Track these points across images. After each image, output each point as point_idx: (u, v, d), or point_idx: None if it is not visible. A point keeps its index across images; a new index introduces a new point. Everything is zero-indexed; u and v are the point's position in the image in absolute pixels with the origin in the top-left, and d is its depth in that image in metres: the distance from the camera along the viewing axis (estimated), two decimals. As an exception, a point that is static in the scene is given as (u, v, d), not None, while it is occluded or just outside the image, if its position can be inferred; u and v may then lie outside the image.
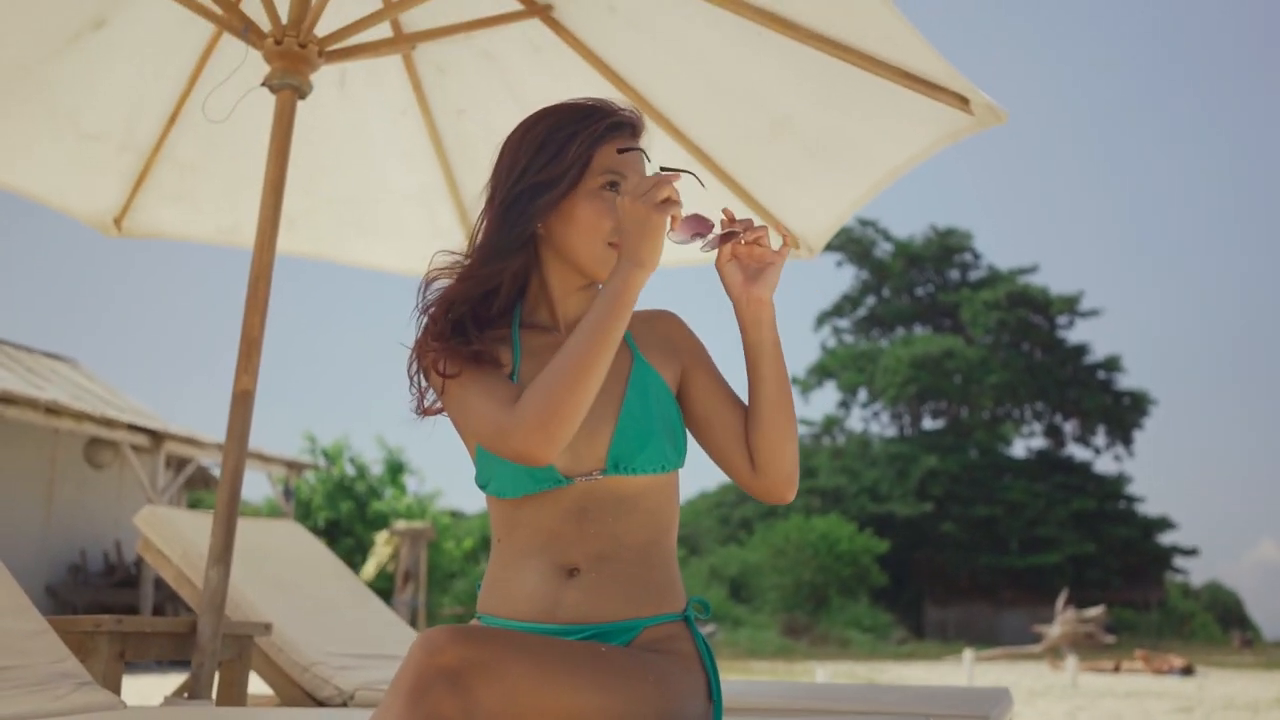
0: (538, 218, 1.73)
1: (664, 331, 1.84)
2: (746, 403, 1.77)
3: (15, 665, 2.47)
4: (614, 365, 1.73)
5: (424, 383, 1.75)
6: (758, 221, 1.77)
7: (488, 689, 1.34)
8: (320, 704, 3.49)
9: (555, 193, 1.72)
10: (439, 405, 1.74)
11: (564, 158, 1.72)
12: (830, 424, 41.97)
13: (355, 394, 70.41)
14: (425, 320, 1.73)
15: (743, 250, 1.72)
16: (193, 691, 3.01)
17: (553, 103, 1.84)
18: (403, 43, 3.60)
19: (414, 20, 3.69)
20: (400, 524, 18.18)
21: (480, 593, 1.75)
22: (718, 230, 1.69)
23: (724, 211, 1.73)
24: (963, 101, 2.99)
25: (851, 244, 41.24)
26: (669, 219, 1.59)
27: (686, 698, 1.60)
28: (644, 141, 1.82)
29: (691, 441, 1.79)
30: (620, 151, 1.75)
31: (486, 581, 1.74)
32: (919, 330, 42.48)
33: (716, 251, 1.74)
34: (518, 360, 1.74)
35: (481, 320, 1.75)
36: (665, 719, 1.53)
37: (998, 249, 69.06)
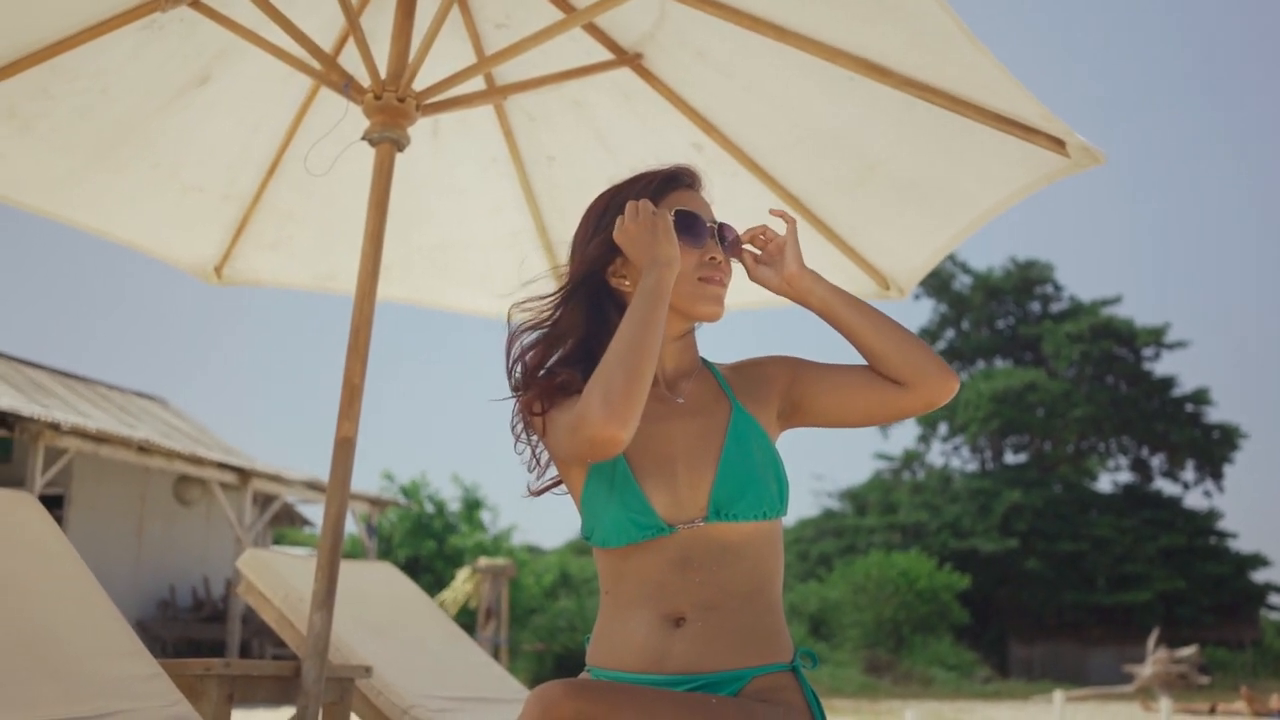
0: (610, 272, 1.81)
1: (755, 373, 1.87)
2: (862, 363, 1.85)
3: (131, 709, 2.54)
4: (714, 416, 1.77)
5: (531, 438, 1.79)
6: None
7: None
8: (418, 746, 3.52)
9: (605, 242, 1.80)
10: (553, 480, 1.81)
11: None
12: (910, 459, 41.48)
13: (430, 432, 71.06)
14: (519, 373, 1.79)
15: (759, 248, 1.89)
16: (296, 733, 3.06)
17: (639, 162, 1.93)
18: (496, 95, 3.67)
19: (506, 73, 3.76)
20: (483, 561, 18.27)
21: (589, 646, 1.77)
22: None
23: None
24: (1058, 144, 2.97)
25: (930, 277, 40.88)
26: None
27: None
28: (705, 193, 1.90)
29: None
30: (679, 213, 1.80)
31: (595, 634, 1.76)
32: (1000, 363, 41.89)
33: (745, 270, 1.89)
34: None
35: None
36: None
37: (1080, 280, 68.09)
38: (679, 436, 1.75)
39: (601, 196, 1.88)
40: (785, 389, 1.85)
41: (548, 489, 1.85)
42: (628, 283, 1.81)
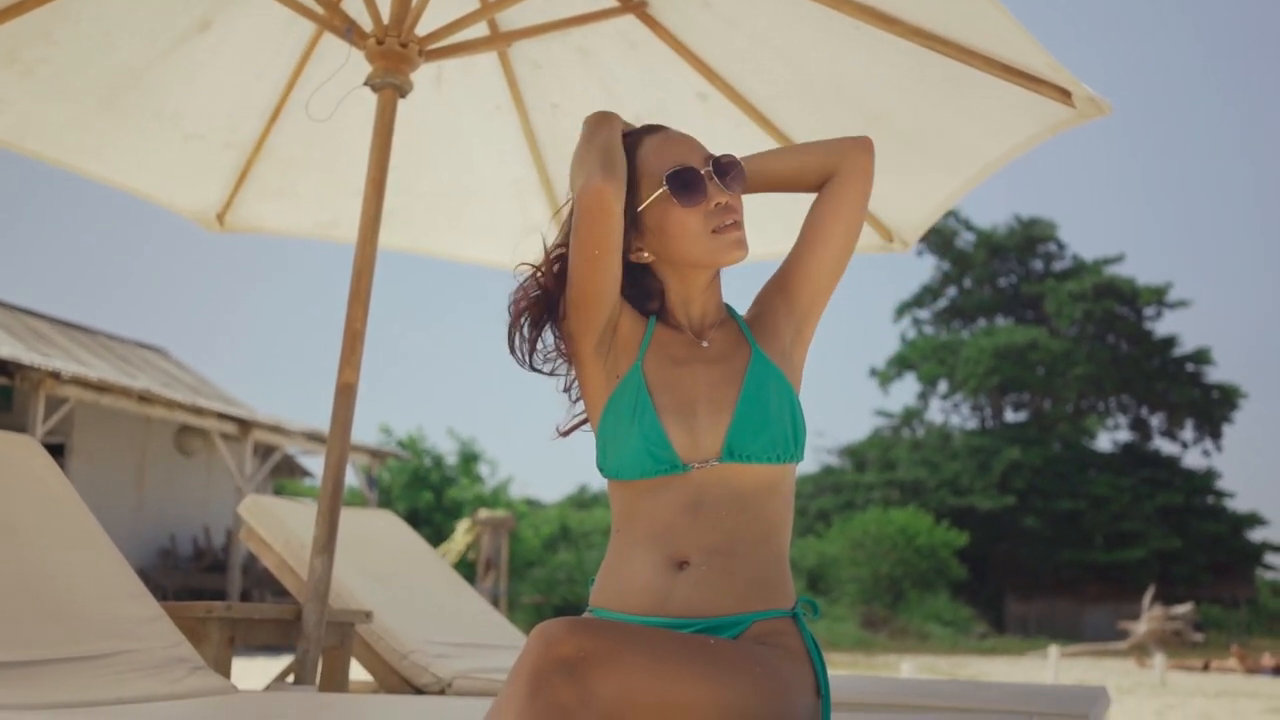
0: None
1: (761, 309, 1.89)
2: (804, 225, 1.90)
3: (133, 649, 2.56)
4: (734, 361, 1.79)
5: (550, 345, 1.82)
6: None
7: (603, 679, 1.37)
8: (419, 691, 3.55)
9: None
10: (580, 417, 1.85)
11: None
12: (910, 415, 41.53)
13: (426, 385, 71.05)
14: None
15: None
16: (298, 676, 3.09)
17: (645, 111, 1.92)
18: (500, 41, 3.65)
19: (510, 19, 3.73)
20: (482, 513, 18.36)
21: (594, 586, 1.78)
22: None
23: None
24: (1064, 94, 2.96)
25: (933, 234, 40.72)
26: None
27: (795, 691, 1.62)
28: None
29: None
30: (670, 177, 1.78)
31: (601, 574, 1.77)
32: (1001, 321, 41.85)
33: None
34: (647, 340, 1.79)
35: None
36: (775, 711, 1.55)
37: (1083, 239, 67.77)
38: (702, 381, 1.76)
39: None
40: (784, 303, 1.88)
41: (575, 428, 1.87)
42: (646, 254, 1.81)
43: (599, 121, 1.83)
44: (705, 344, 1.81)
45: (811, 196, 1.92)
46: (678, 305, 1.84)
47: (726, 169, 1.80)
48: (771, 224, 2.97)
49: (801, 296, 1.88)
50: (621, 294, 1.80)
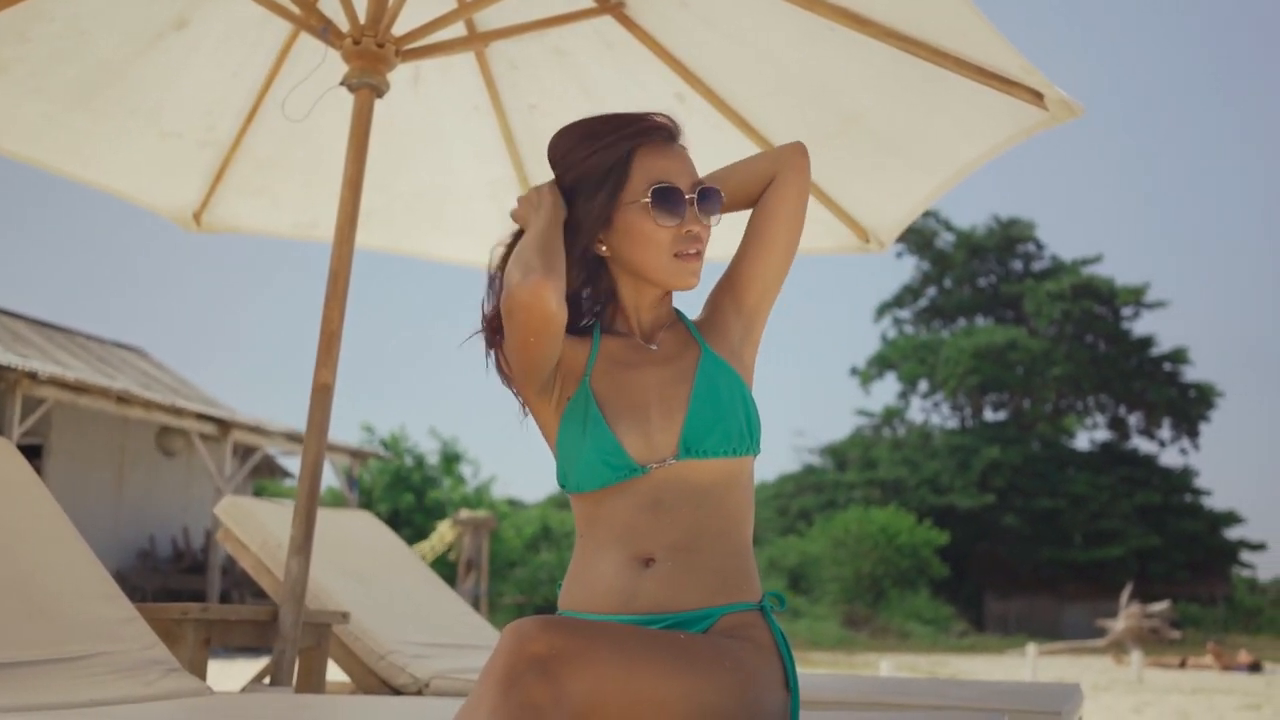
0: (593, 226, 1.80)
1: (710, 310, 1.92)
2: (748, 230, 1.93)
3: (108, 651, 2.55)
4: (685, 361, 1.81)
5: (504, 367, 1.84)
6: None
7: (576, 677, 1.38)
8: (396, 691, 3.55)
9: (601, 196, 1.79)
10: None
11: (601, 161, 1.80)
12: (891, 415, 41.68)
13: (409, 385, 70.90)
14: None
15: None
16: (274, 678, 3.08)
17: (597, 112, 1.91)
18: (477, 41, 3.65)
19: (488, 19, 3.73)
20: (463, 513, 18.33)
21: (561, 590, 1.80)
22: None
23: None
24: (1037, 97, 2.97)
25: (913, 234, 40.87)
26: None
27: (765, 686, 1.63)
28: (683, 141, 1.89)
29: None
30: (656, 191, 1.78)
31: (567, 578, 1.79)
32: (981, 321, 42.04)
33: None
34: (593, 358, 1.81)
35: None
36: (745, 705, 1.56)
37: (1061, 239, 68.20)
38: (653, 383, 1.78)
39: (573, 130, 1.87)
40: (732, 303, 1.90)
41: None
42: (605, 249, 1.83)
43: (539, 211, 1.82)
44: (654, 347, 1.84)
45: None
46: (629, 310, 1.86)
47: (708, 198, 1.82)
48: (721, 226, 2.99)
49: (749, 296, 1.90)
50: (569, 304, 1.81)
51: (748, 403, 1.78)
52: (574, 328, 1.85)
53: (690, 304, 1.95)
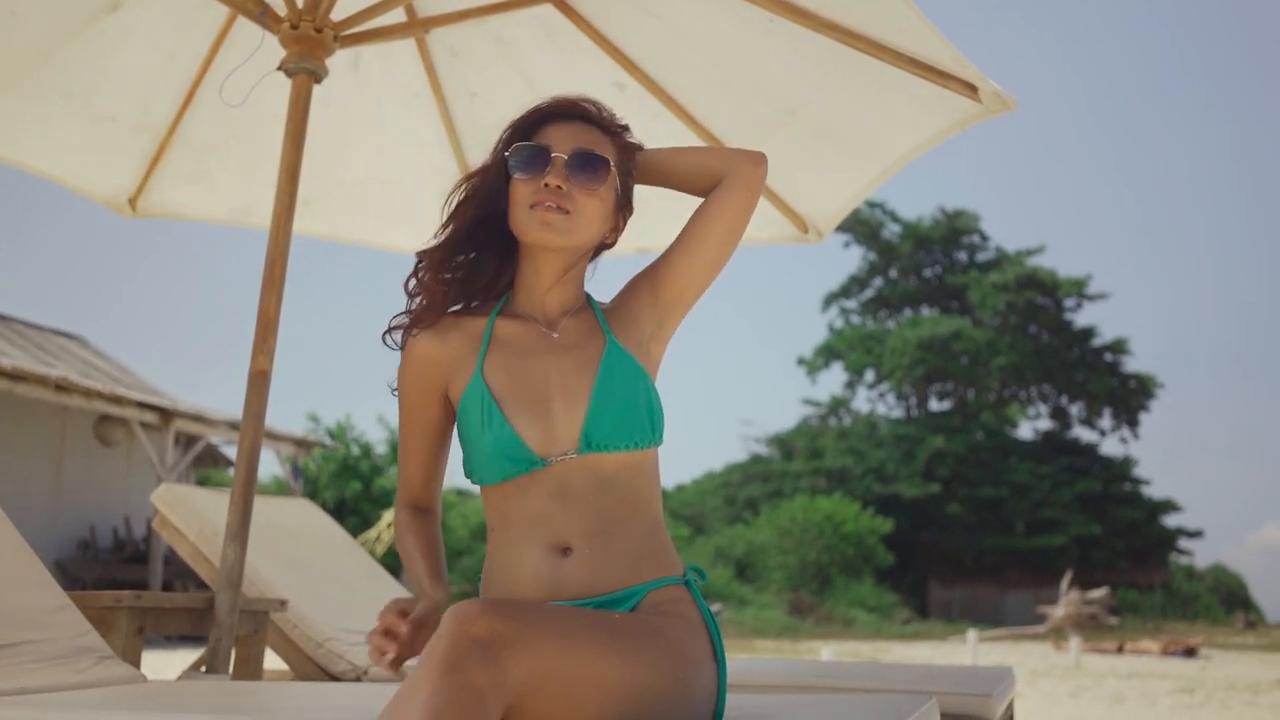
0: (488, 197, 1.85)
1: (624, 298, 1.93)
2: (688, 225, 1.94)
3: (38, 639, 2.52)
4: (588, 350, 1.82)
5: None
6: None
7: (517, 659, 1.39)
8: (334, 679, 3.54)
9: (494, 167, 1.85)
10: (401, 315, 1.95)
11: (507, 139, 1.87)
12: (837, 405, 41.96)
13: (356, 374, 70.37)
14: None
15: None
16: (210, 666, 3.06)
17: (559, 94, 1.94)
18: (417, 27, 3.62)
19: (428, 5, 3.71)
20: (409, 502, 18.18)
21: (481, 585, 1.81)
22: None
23: None
24: (971, 89, 3.01)
25: (859, 225, 41.15)
26: None
27: (696, 661, 1.66)
28: (595, 119, 1.90)
29: (673, 432, 1.87)
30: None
31: (486, 573, 1.80)
32: (926, 312, 42.42)
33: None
34: (485, 346, 1.82)
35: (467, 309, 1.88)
36: (678, 682, 1.59)
37: (1006, 231, 68.77)
38: (553, 371, 1.79)
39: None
40: (650, 293, 1.91)
41: (397, 328, 1.94)
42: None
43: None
44: (555, 334, 1.84)
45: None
46: (532, 289, 1.87)
47: (586, 163, 1.81)
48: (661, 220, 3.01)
49: (669, 290, 1.91)
50: (477, 281, 1.88)
51: (651, 396, 1.79)
52: (484, 305, 1.89)
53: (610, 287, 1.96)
